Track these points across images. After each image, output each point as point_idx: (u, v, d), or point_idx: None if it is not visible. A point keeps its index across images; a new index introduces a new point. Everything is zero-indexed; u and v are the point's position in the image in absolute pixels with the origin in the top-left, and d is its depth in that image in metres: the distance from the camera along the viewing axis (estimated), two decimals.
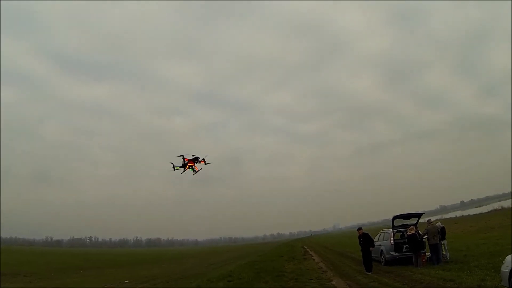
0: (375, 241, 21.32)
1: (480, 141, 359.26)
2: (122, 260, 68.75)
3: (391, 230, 22.04)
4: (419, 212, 22.96)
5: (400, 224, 22.34)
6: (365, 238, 19.70)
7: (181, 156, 23.80)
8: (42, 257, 68.46)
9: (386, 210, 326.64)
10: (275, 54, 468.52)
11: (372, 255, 20.08)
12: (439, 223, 20.63)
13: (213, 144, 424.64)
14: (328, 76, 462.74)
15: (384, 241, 22.33)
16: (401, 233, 22.08)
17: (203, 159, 24.39)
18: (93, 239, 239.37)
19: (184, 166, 23.82)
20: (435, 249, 18.80)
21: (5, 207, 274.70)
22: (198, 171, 24.23)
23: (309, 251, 45.18)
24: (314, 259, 31.68)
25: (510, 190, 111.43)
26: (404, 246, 20.85)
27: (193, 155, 24.04)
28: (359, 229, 20.73)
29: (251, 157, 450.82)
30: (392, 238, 21.42)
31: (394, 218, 22.18)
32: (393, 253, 21.02)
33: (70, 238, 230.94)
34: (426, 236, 19.42)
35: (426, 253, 19.64)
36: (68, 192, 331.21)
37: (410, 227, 20.23)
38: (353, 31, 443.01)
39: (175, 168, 23.78)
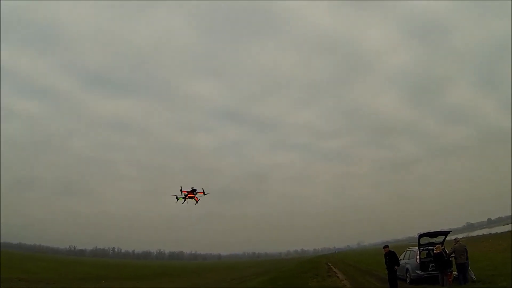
0: (400, 259, 21.10)
1: (506, 156, 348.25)
2: (144, 272, 69.07)
3: (417, 248, 21.74)
4: (446, 230, 22.59)
5: (426, 242, 22.04)
6: (391, 256, 19.46)
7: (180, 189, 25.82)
8: (64, 265, 69.68)
9: (411, 228, 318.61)
10: (299, 72, 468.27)
11: (398, 273, 19.83)
12: (459, 242, 20.16)
13: (238, 161, 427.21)
14: (352, 94, 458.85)
15: (410, 259, 22.04)
16: (427, 251, 21.77)
17: (202, 190, 26.11)
18: (116, 250, 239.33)
19: (184, 197, 25.67)
20: (462, 268, 18.46)
21: (32, 216, 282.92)
22: (198, 201, 25.98)
23: (333, 268, 44.69)
24: (338, 276, 31.41)
25: None
26: (430, 265, 20.51)
27: (191, 188, 25.90)
28: (385, 247, 20.48)
29: (275, 174, 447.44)
30: (418, 257, 21.13)
31: (421, 236, 21.92)
32: (419, 271, 20.71)
33: (93, 248, 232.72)
34: (453, 255, 19.09)
35: (453, 272, 19.26)
36: (93, 204, 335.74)
37: (437, 245, 19.93)
38: (376, 48, 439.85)
39: (178, 199, 25.63)
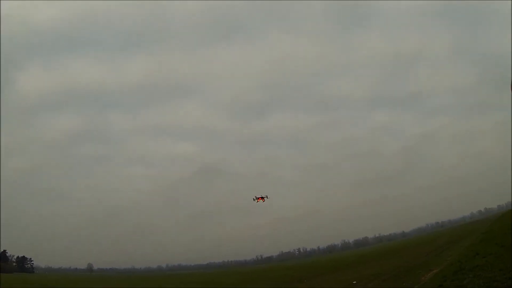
0: None
1: None
2: (332, 265, 68.77)
3: None
4: None
5: None
6: None
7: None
8: (253, 274, 79.61)
9: None
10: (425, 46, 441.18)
11: None
12: None
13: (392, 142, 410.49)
14: None
15: None
16: None
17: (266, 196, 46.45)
18: (301, 250, 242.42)
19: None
20: None
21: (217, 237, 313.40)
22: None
23: None
24: None
25: None
26: None
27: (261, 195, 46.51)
28: None
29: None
30: None
31: None
32: None
33: (279, 253, 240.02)
34: None
35: None
36: (269, 213, 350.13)
37: None
38: None
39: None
